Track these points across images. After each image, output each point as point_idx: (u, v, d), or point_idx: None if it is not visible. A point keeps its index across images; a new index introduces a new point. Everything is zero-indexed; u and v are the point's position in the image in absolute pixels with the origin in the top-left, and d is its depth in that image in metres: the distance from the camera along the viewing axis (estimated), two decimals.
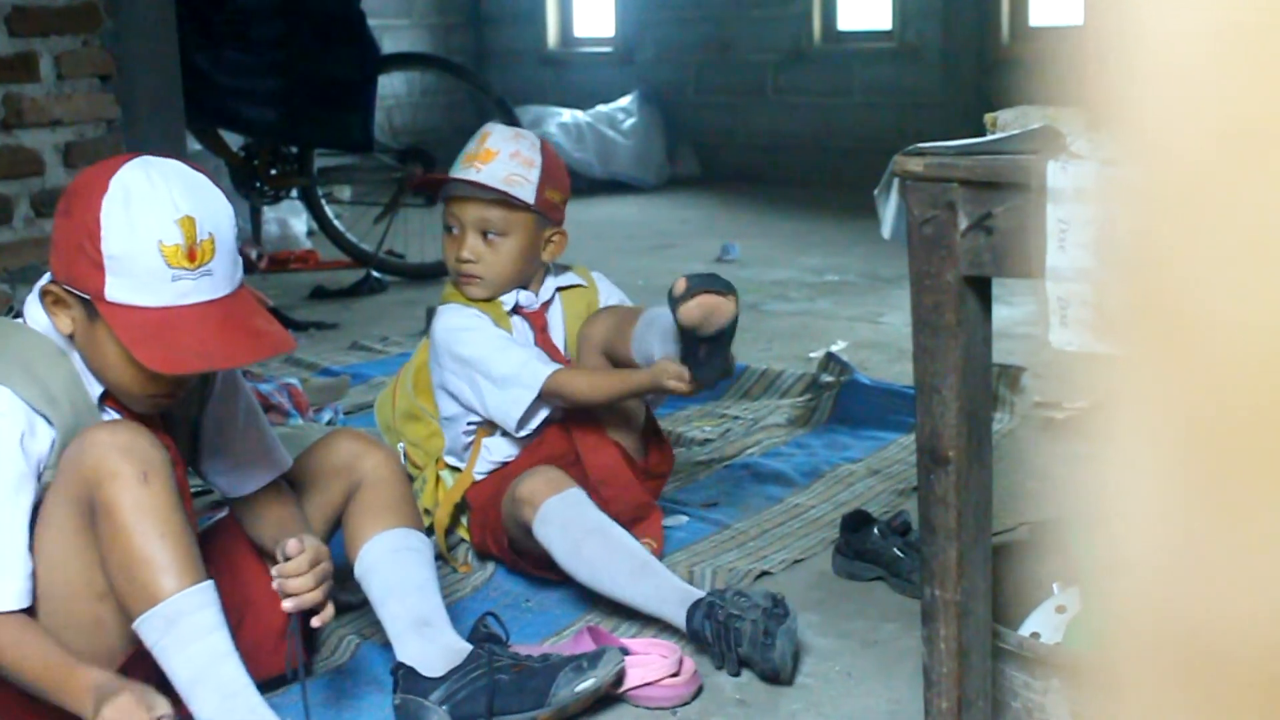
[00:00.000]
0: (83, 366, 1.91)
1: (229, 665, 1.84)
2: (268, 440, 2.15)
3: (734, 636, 2.19)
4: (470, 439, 2.68)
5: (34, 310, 1.92)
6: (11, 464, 1.83)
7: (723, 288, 2.41)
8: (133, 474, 1.80)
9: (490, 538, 2.61)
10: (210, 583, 1.86)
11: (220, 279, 1.84)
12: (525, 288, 2.69)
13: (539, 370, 2.54)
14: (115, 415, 1.93)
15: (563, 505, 2.41)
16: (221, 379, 2.10)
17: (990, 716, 1.73)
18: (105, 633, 1.89)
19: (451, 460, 2.73)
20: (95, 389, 1.93)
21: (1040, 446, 3.31)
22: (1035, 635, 1.86)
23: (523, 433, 2.60)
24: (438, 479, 2.73)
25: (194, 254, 1.80)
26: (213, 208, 1.85)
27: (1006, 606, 1.89)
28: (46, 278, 1.90)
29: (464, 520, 2.72)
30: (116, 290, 1.80)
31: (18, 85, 3.64)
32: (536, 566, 2.55)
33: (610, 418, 2.64)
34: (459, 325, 2.62)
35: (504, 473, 2.62)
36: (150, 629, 1.82)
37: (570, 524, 2.39)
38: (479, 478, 2.67)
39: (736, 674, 2.20)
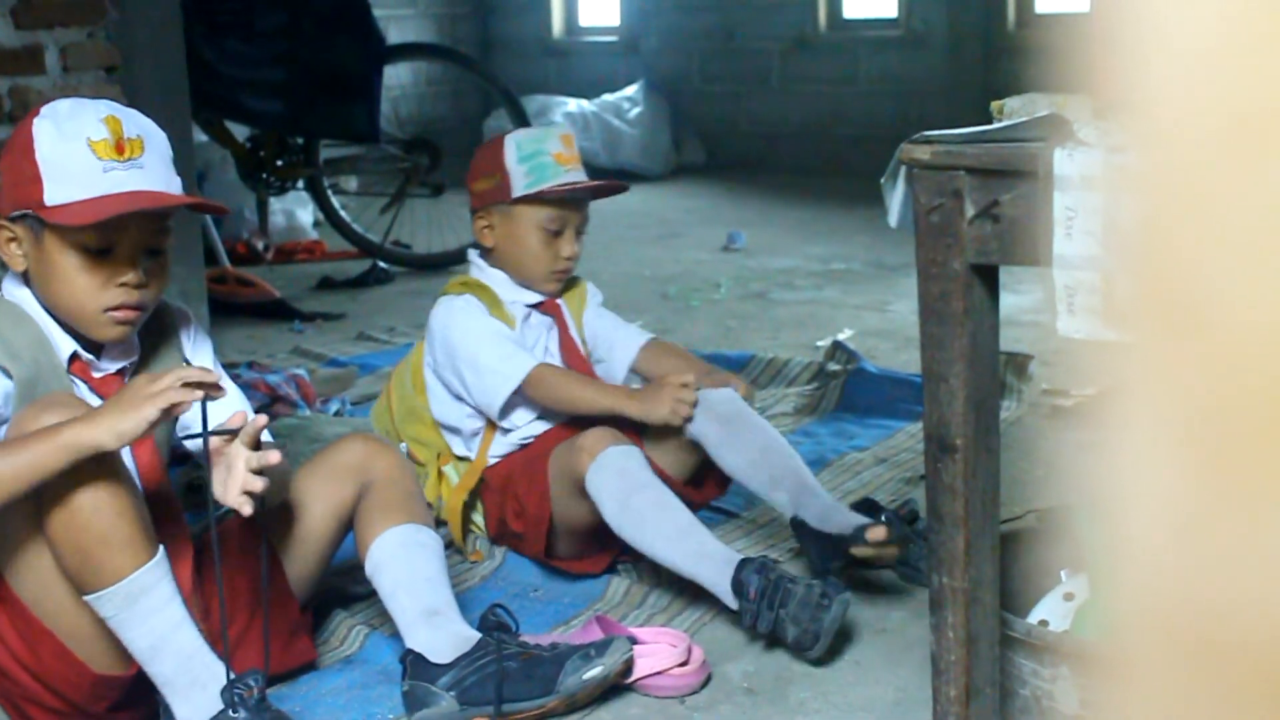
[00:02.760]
0: (51, 333, 1.94)
1: (185, 631, 1.88)
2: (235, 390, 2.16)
3: (782, 595, 2.19)
4: (479, 426, 2.69)
5: (9, 285, 1.98)
6: None
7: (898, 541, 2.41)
8: None
9: (511, 513, 2.61)
10: (163, 554, 1.88)
11: (153, 175, 1.91)
12: None
13: (524, 361, 2.59)
14: (81, 384, 1.96)
15: (622, 456, 2.43)
16: (192, 342, 2.12)
17: (998, 704, 1.73)
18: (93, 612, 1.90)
19: (459, 450, 2.74)
20: (65, 350, 1.95)
21: (1048, 434, 3.31)
22: (1043, 623, 1.86)
23: (505, 422, 2.64)
24: (440, 474, 2.74)
25: (122, 147, 1.89)
26: (140, 120, 1.94)
27: (1014, 594, 1.89)
28: None
29: (479, 505, 2.72)
30: (55, 194, 1.88)
31: (24, 77, 3.64)
32: (553, 552, 2.57)
33: (657, 433, 2.63)
34: (453, 314, 2.67)
35: (532, 449, 2.64)
36: (107, 604, 1.84)
37: (626, 473, 2.40)
38: (494, 460, 2.68)
39: (766, 630, 2.20)
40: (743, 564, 2.26)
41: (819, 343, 4.22)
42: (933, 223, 1.59)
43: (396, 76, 6.58)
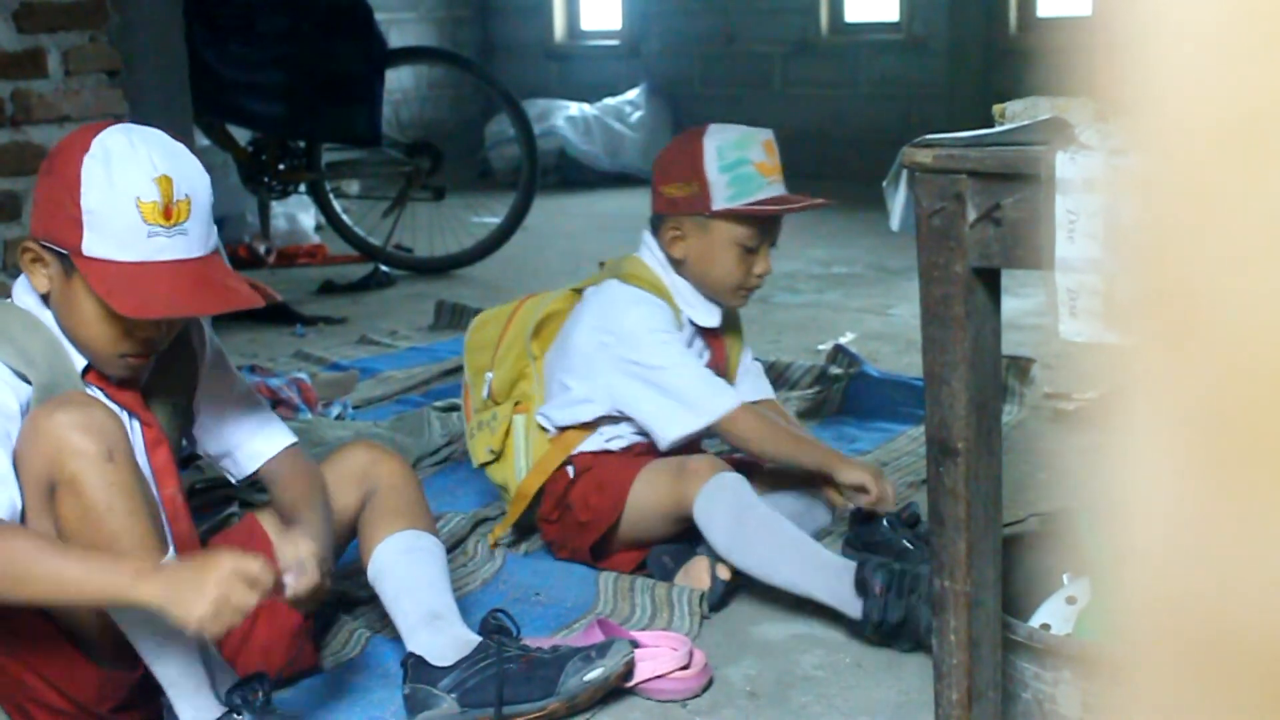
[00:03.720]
0: (64, 337, 1.94)
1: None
2: (263, 416, 2.17)
3: (911, 581, 2.20)
4: (592, 419, 2.62)
5: (21, 291, 1.96)
6: None
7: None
8: (98, 451, 1.79)
9: (581, 504, 2.57)
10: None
11: (195, 239, 1.88)
12: None
13: (723, 400, 2.52)
14: (98, 390, 1.95)
15: (735, 481, 2.41)
16: (210, 361, 2.12)
17: (1000, 708, 1.73)
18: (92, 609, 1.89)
19: (544, 422, 2.66)
20: (79, 361, 1.95)
21: (1050, 438, 3.31)
22: (1045, 626, 1.86)
23: (666, 447, 2.57)
24: (509, 426, 2.69)
25: (170, 212, 1.85)
26: (190, 173, 1.89)
27: (1017, 598, 1.89)
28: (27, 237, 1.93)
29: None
30: (94, 244, 1.84)
31: (26, 81, 3.65)
32: (598, 546, 2.57)
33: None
34: (651, 316, 2.56)
35: (629, 455, 2.59)
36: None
37: (737, 498, 2.39)
38: (580, 452, 2.63)
39: (896, 620, 2.20)
40: (862, 563, 2.26)
41: (821, 346, 4.22)
42: (935, 226, 1.59)
43: (398, 80, 6.57)
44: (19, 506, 1.82)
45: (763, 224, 2.58)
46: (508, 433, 2.70)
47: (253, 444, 2.13)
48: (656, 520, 2.51)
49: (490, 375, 2.75)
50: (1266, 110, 0.38)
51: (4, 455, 1.82)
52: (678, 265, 2.62)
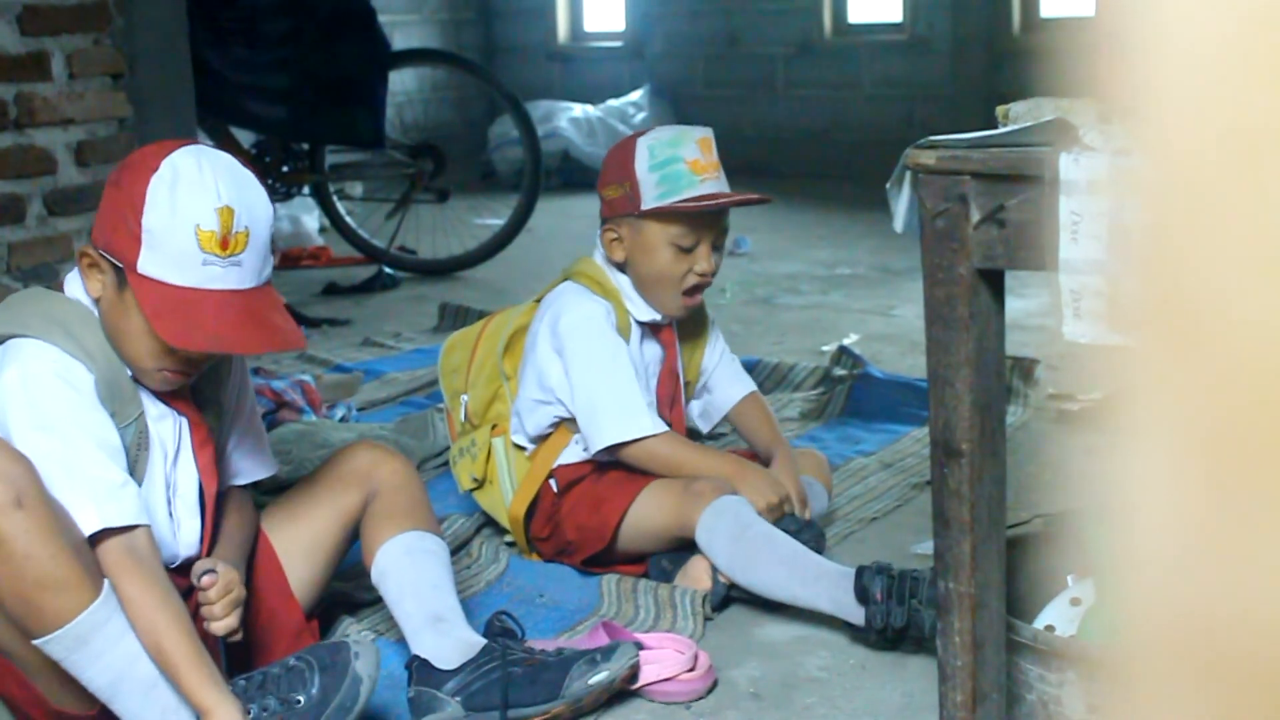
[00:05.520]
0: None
1: (142, 663, 1.83)
2: (262, 444, 2.21)
3: (911, 585, 2.20)
4: (553, 422, 2.62)
5: (74, 286, 1.98)
6: (60, 396, 1.87)
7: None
8: (6, 500, 1.74)
9: (572, 525, 2.58)
10: (109, 590, 1.81)
11: (248, 272, 1.89)
12: None
13: (644, 424, 2.52)
14: (146, 391, 1.97)
15: (736, 503, 2.42)
16: (238, 374, 2.14)
17: (1005, 709, 1.73)
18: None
19: (519, 440, 2.67)
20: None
21: (1054, 439, 3.30)
22: (1050, 628, 1.85)
23: (591, 455, 2.57)
24: (489, 450, 2.69)
25: (227, 243, 1.86)
26: (253, 205, 1.91)
27: (1021, 599, 1.89)
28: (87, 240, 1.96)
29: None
30: (149, 264, 1.86)
31: (29, 84, 3.65)
32: (591, 560, 2.57)
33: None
34: (588, 323, 2.56)
35: (612, 467, 2.59)
36: (58, 647, 1.79)
37: (741, 516, 2.39)
38: (562, 464, 2.62)
39: (900, 625, 2.20)
40: (863, 569, 2.25)
41: (824, 348, 4.22)
42: (938, 227, 1.59)
43: (401, 82, 6.57)
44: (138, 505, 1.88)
45: (697, 221, 2.53)
46: (489, 458, 2.70)
47: (243, 464, 2.17)
48: (656, 538, 2.53)
49: (465, 398, 2.75)
50: (1272, 112, 0.38)
51: (111, 462, 1.88)
52: (621, 267, 2.61)
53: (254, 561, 2.15)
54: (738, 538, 2.37)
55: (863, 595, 2.23)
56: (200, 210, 1.85)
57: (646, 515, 2.51)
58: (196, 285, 1.86)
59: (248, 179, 1.93)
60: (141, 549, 1.86)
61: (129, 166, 1.91)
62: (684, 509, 2.44)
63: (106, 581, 1.82)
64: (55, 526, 1.78)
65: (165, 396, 1.99)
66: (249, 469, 2.18)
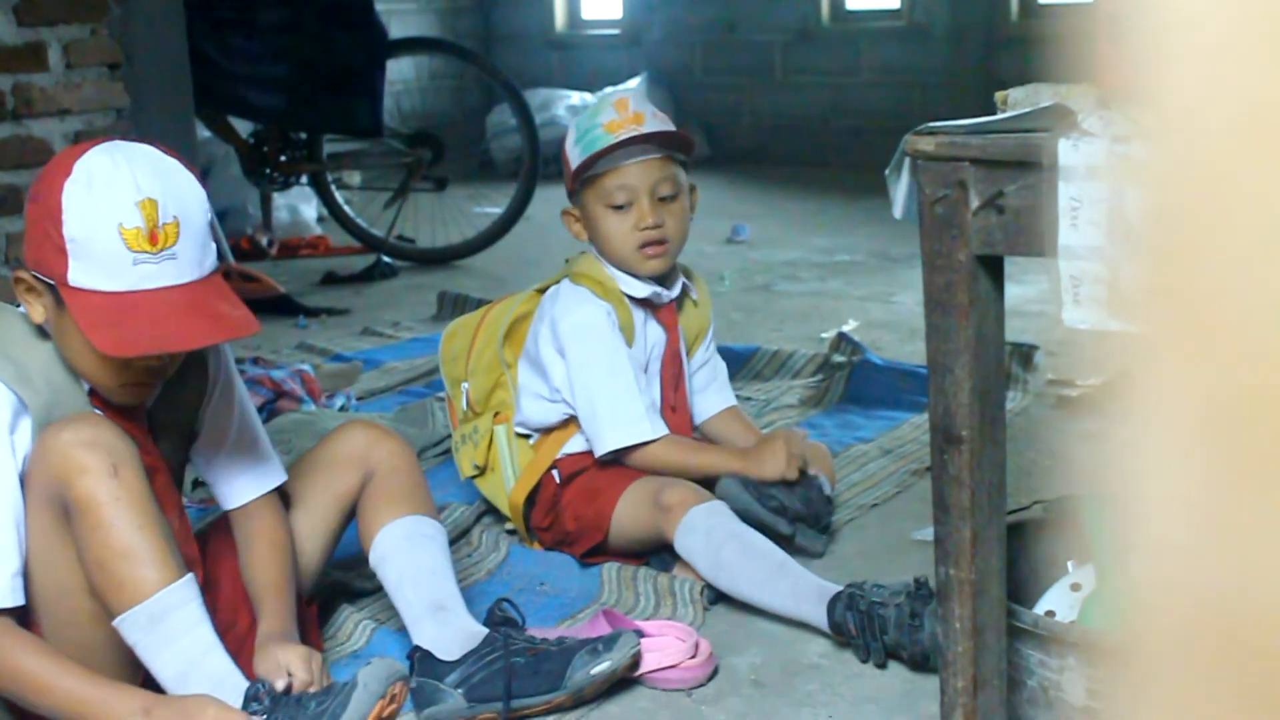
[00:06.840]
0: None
1: (215, 657, 1.84)
2: (261, 450, 2.12)
3: (879, 624, 2.15)
4: (562, 419, 2.62)
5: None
6: None
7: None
8: (102, 467, 1.76)
9: (570, 515, 2.58)
10: (191, 576, 1.83)
11: (186, 264, 1.80)
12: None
13: (644, 429, 2.51)
14: (98, 411, 1.90)
15: (708, 513, 2.40)
16: (219, 385, 2.07)
17: (1005, 695, 1.73)
18: (105, 628, 1.85)
19: (521, 430, 2.67)
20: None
21: (1054, 424, 3.31)
22: (1050, 613, 1.86)
23: (599, 458, 2.57)
24: (491, 437, 2.69)
25: (155, 237, 1.77)
26: (179, 192, 1.81)
27: (1021, 585, 1.89)
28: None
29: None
30: (79, 274, 1.77)
31: (27, 75, 3.65)
32: (591, 552, 2.57)
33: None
34: (587, 325, 2.54)
35: (611, 467, 2.58)
36: (133, 626, 1.80)
37: (713, 531, 2.38)
38: (564, 455, 2.62)
39: (883, 665, 2.17)
40: (833, 603, 2.21)
41: (824, 335, 4.22)
42: (937, 214, 1.59)
43: (399, 71, 6.57)
44: (16, 585, 1.81)
45: (621, 176, 2.52)
46: (491, 445, 2.70)
47: (239, 481, 2.10)
48: (641, 543, 2.52)
49: (466, 385, 2.74)
50: (1276, 99, 0.37)
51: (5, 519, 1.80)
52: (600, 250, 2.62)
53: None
54: (717, 552, 2.36)
55: (837, 630, 2.21)
56: (120, 208, 1.76)
57: (627, 522, 2.52)
58: (132, 288, 1.77)
59: (172, 166, 1.83)
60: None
61: (42, 178, 1.82)
62: (658, 521, 2.44)
63: (191, 573, 1.83)
64: (146, 504, 1.80)
65: (116, 417, 1.89)
66: (247, 484, 2.10)
